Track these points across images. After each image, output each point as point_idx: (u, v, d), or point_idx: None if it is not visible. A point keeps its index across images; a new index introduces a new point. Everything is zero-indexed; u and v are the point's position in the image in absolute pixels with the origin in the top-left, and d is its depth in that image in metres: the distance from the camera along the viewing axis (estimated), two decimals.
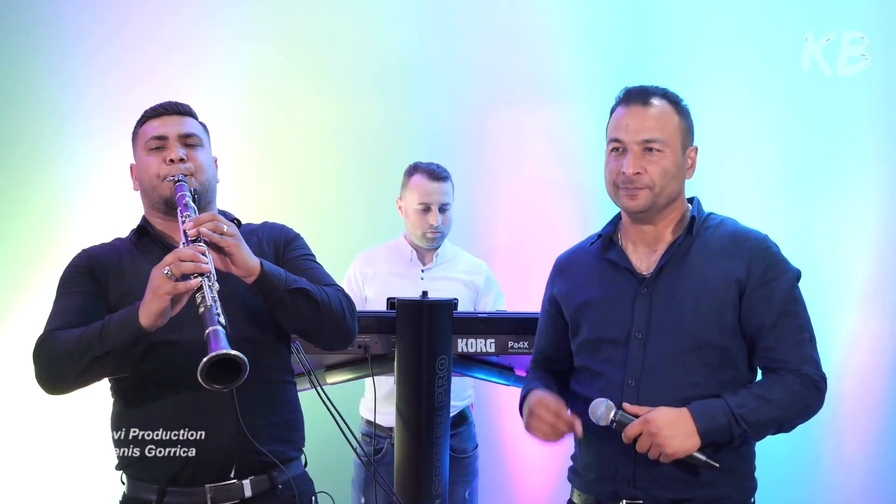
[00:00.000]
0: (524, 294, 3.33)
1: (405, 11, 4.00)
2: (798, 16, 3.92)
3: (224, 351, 1.70)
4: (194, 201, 2.05)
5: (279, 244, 2.23)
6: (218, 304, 1.79)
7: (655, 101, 2.03)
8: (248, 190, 3.44)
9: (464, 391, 3.25)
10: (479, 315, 2.74)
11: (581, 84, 3.92)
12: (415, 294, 2.70)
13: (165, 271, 1.82)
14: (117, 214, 3.68)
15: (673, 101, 2.06)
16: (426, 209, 3.25)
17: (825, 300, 3.76)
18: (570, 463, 2.23)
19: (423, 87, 3.98)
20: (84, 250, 2.18)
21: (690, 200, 2.15)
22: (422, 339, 2.51)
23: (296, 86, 3.93)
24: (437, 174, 3.26)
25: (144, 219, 2.21)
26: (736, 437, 1.94)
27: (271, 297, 2.00)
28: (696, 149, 2.09)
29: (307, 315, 2.05)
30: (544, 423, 2.08)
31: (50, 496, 3.74)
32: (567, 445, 2.22)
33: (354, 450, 2.29)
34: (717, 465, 1.95)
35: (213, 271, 1.85)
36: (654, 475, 2.00)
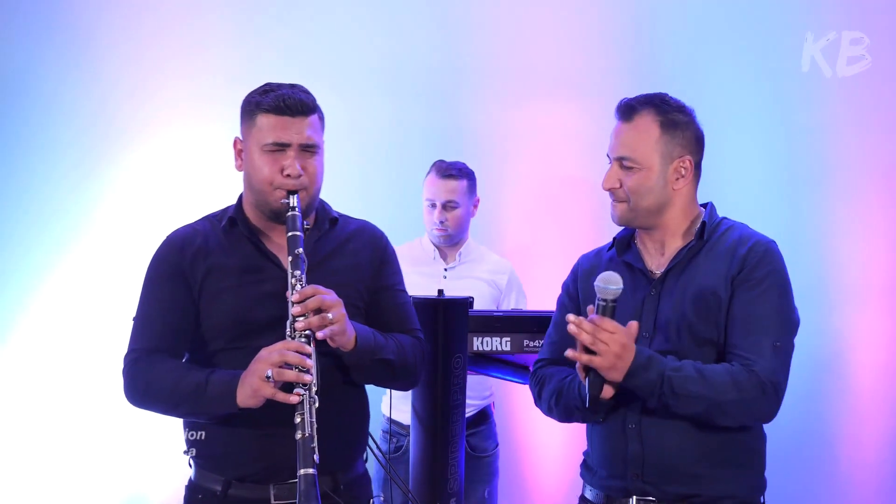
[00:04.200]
0: (542, 293, 3.34)
1: (425, 9, 4.02)
2: (798, 16, 3.94)
3: None
4: (304, 223, 2.03)
5: (375, 261, 2.18)
6: (315, 428, 1.81)
7: (638, 117, 2.08)
8: None
9: (484, 390, 3.26)
10: (495, 314, 2.75)
11: (597, 81, 3.93)
12: (435, 293, 2.72)
13: (268, 374, 1.83)
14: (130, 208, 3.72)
15: (662, 112, 2.08)
16: (432, 205, 3.29)
17: (831, 298, 3.81)
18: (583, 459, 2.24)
19: (443, 85, 3.99)
20: (172, 238, 2.12)
21: (705, 205, 2.18)
22: (437, 337, 2.53)
23: (314, 84, 3.91)
24: (445, 171, 3.28)
25: (240, 208, 2.14)
26: (655, 397, 1.95)
27: (355, 365, 2.02)
28: (690, 160, 2.09)
29: (381, 379, 2.12)
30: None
31: (118, 477, 3.78)
32: (584, 443, 2.23)
33: (371, 449, 2.29)
34: (586, 405, 1.97)
35: (316, 380, 1.86)
36: (663, 471, 2.02)
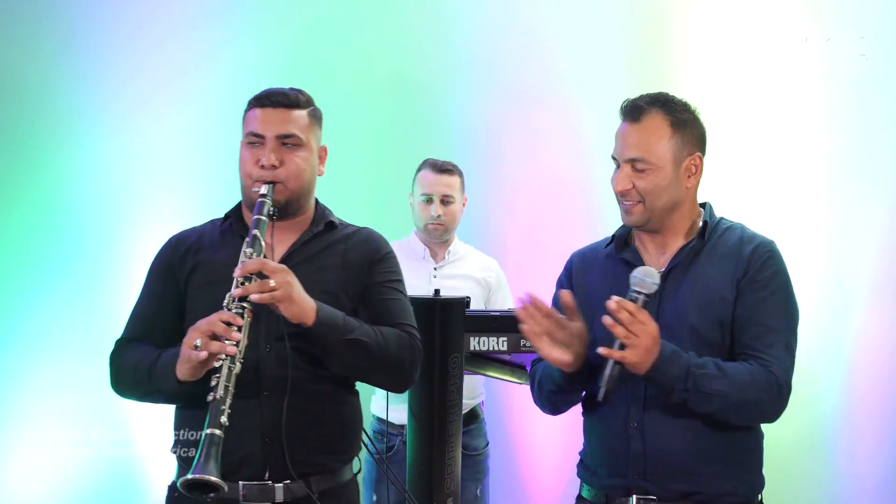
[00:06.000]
0: (536, 291, 3.34)
1: (420, 10, 4.01)
2: (798, 16, 3.94)
3: (201, 476, 1.72)
4: (279, 212, 2.03)
5: (368, 260, 2.15)
6: (230, 395, 1.80)
7: (646, 117, 2.05)
8: None
9: (475, 389, 3.27)
10: (492, 313, 2.75)
11: (591, 82, 3.93)
12: (427, 292, 2.72)
13: (196, 344, 1.84)
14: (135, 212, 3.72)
15: (670, 111, 2.07)
16: (428, 200, 3.30)
17: (829, 298, 3.80)
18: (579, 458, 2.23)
19: (437, 85, 3.98)
20: (170, 239, 2.18)
21: (703, 205, 2.17)
22: (434, 337, 2.52)
23: (307, 83, 3.92)
24: (440, 167, 3.31)
25: (239, 207, 2.18)
26: (676, 392, 1.94)
27: (321, 344, 1.98)
28: (700, 156, 2.10)
29: (358, 365, 2.05)
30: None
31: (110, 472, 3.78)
32: (578, 442, 2.23)
33: (366, 447, 2.28)
34: (602, 394, 1.93)
35: (242, 349, 1.85)
36: (665, 468, 2.02)
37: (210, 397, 1.80)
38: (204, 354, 1.84)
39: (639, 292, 1.94)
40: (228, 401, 1.80)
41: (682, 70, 3.93)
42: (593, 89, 3.89)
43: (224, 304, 1.90)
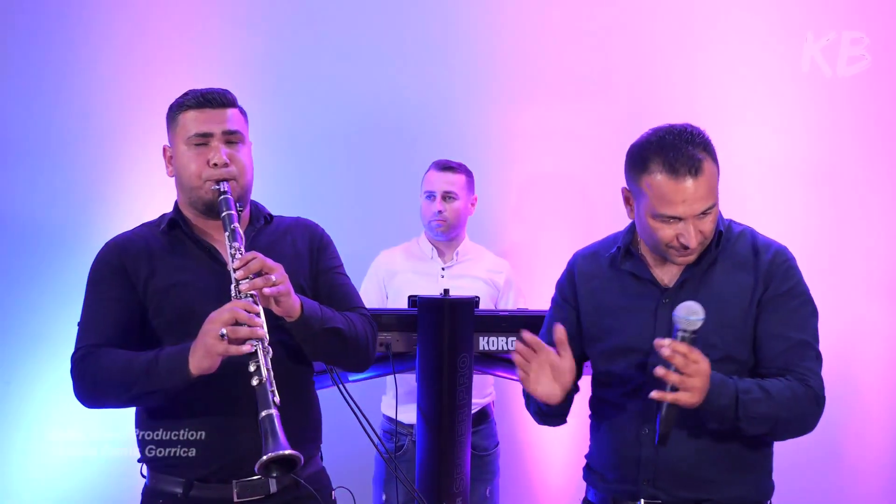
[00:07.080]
0: (537, 292, 3.34)
1: (424, 8, 4.01)
2: (798, 16, 3.94)
3: (282, 452, 1.73)
4: (237, 206, 2.04)
5: (313, 248, 2.20)
6: (272, 375, 1.82)
7: (705, 166, 1.94)
8: (270, 186, 3.46)
9: (485, 389, 3.27)
10: (501, 313, 2.75)
11: (594, 82, 3.93)
12: (435, 292, 2.71)
13: (221, 333, 1.82)
14: (132, 208, 3.72)
15: (709, 149, 1.97)
16: (430, 197, 3.30)
17: (831, 299, 3.80)
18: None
19: (441, 86, 3.98)
20: (112, 243, 2.13)
21: None
22: (443, 337, 2.53)
23: (311, 84, 3.94)
24: (445, 165, 3.33)
25: (178, 210, 2.16)
26: (727, 421, 1.91)
27: (304, 334, 2.01)
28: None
29: (334, 351, 2.09)
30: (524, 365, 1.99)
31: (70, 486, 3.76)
32: (588, 444, 2.22)
33: (376, 447, 2.28)
34: (658, 439, 1.88)
35: (267, 333, 1.86)
36: (675, 476, 2.01)
37: (255, 381, 1.81)
38: (234, 349, 1.83)
39: (686, 331, 1.85)
40: (274, 383, 1.81)
41: (682, 70, 3.93)
42: (598, 89, 3.89)
43: (232, 296, 1.91)
